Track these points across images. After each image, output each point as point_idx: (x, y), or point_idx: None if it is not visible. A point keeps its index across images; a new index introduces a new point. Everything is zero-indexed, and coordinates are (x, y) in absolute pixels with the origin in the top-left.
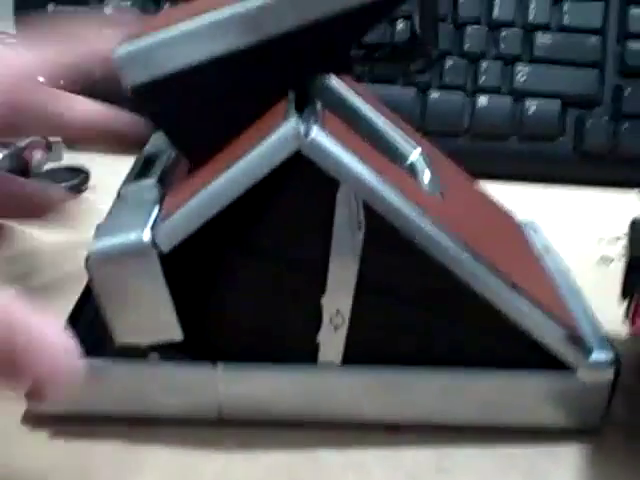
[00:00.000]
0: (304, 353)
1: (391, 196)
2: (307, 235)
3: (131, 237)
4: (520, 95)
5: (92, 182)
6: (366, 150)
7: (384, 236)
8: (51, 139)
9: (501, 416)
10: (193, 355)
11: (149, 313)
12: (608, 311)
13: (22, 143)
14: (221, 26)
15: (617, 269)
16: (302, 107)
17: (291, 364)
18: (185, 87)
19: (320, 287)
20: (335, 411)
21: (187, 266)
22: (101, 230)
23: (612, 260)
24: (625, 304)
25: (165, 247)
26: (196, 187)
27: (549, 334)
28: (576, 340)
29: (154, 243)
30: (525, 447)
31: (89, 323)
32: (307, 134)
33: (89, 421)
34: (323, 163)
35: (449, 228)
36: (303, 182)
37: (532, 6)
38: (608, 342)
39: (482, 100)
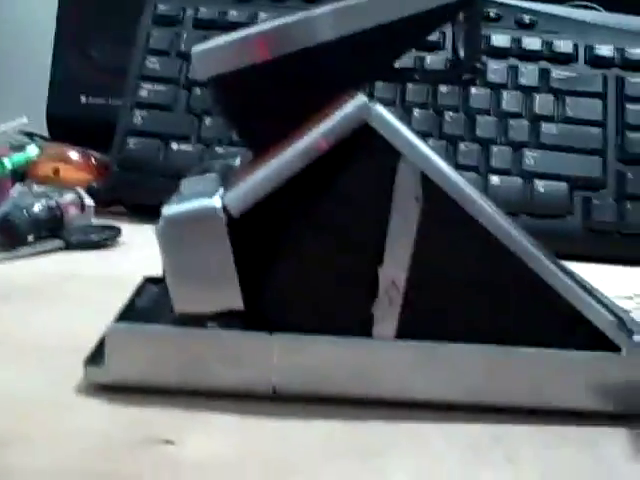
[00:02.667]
0: (359, 326)
1: (449, 170)
2: (367, 206)
3: (202, 202)
4: (529, 176)
5: (121, 239)
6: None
7: (442, 210)
8: (86, 202)
9: (547, 398)
10: (251, 326)
11: (212, 281)
12: None
13: (60, 198)
14: (298, 24)
15: (636, 315)
16: None
17: (345, 337)
18: (252, 81)
19: (377, 259)
20: (388, 387)
21: (250, 235)
22: (170, 201)
23: (630, 311)
24: None
25: (235, 212)
26: (264, 163)
27: (595, 313)
28: (619, 321)
29: (224, 208)
30: (575, 424)
31: (143, 311)
32: (374, 108)
33: (145, 390)
34: (388, 134)
35: (502, 215)
36: (368, 153)
37: (537, 100)
38: None
39: (494, 179)
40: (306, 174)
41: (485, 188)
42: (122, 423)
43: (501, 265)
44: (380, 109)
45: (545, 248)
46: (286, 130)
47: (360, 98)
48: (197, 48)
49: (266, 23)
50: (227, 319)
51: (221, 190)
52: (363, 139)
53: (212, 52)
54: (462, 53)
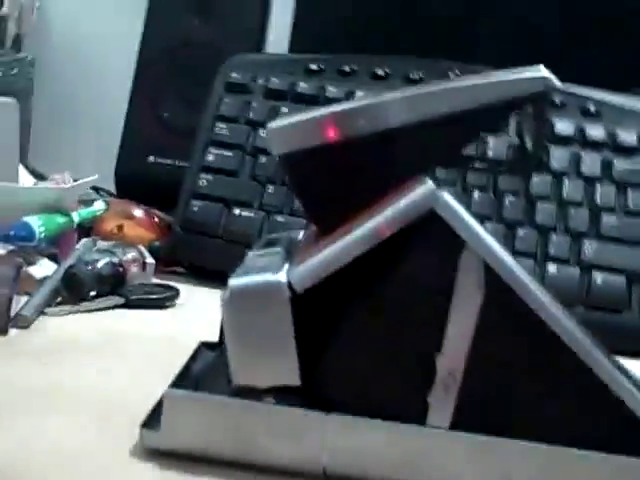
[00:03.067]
0: (413, 413)
1: (511, 261)
2: (430, 293)
3: (269, 276)
4: (587, 267)
5: (180, 300)
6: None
7: (503, 301)
8: (147, 260)
9: None
10: (306, 403)
11: (272, 355)
12: None
13: (123, 256)
14: (369, 108)
15: None
16: None
17: (399, 424)
18: (324, 160)
19: (436, 346)
20: (439, 476)
21: (312, 313)
22: (237, 272)
23: None
24: None
25: (299, 288)
26: (330, 242)
27: None
28: None
29: (289, 284)
30: None
31: (199, 376)
32: (441, 195)
33: (197, 460)
34: (453, 222)
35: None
36: (432, 240)
37: (598, 190)
38: None
39: (551, 268)
40: (371, 256)
41: (542, 277)
42: None
43: (561, 363)
44: (447, 197)
45: (602, 344)
46: (353, 210)
47: (428, 185)
48: (273, 124)
49: (339, 104)
50: (283, 395)
51: (286, 265)
52: (429, 226)
53: (286, 129)
54: (528, 144)
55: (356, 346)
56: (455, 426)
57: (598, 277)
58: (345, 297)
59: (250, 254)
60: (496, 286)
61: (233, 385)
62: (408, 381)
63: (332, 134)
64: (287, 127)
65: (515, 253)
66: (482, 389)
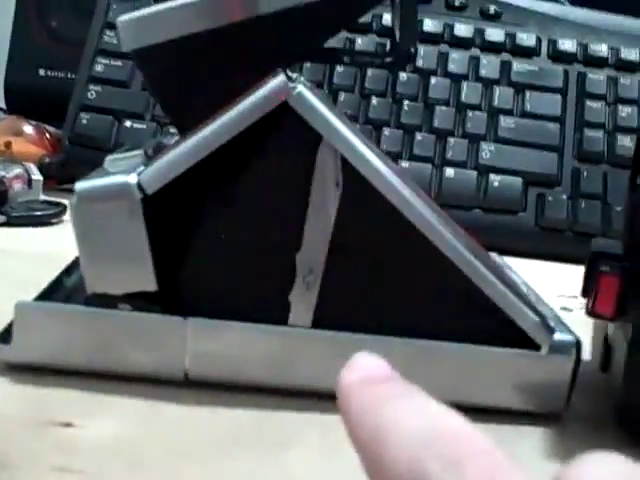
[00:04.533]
0: (275, 313)
1: (371, 155)
2: (286, 189)
3: (117, 179)
4: (485, 170)
5: (67, 217)
6: (346, 120)
7: (361, 196)
8: (34, 177)
9: (467, 394)
10: (164, 309)
11: (126, 260)
12: None
13: (6, 172)
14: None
15: (578, 316)
16: None
17: (261, 324)
18: (180, 55)
19: (295, 244)
20: (302, 376)
21: (165, 215)
22: (87, 176)
23: (572, 310)
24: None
25: (150, 189)
26: (182, 141)
27: (516, 312)
28: (541, 320)
29: (139, 185)
30: (493, 423)
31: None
32: (294, 87)
33: (53, 372)
34: (308, 116)
35: (426, 200)
36: (287, 135)
37: (497, 93)
38: (569, 329)
39: (449, 172)
40: (224, 153)
41: (440, 180)
42: (22, 403)
43: (419, 255)
44: (301, 89)
45: (474, 242)
46: (211, 109)
47: (281, 77)
48: (123, 18)
49: None
50: (140, 301)
51: (141, 168)
52: (282, 119)
53: (138, 22)
54: (397, 36)
55: (213, 248)
56: (317, 325)
57: (495, 180)
58: (199, 197)
59: (108, 158)
60: (354, 180)
61: (88, 294)
62: (268, 281)
63: (189, 26)
64: (139, 20)
65: (413, 157)
66: (343, 285)
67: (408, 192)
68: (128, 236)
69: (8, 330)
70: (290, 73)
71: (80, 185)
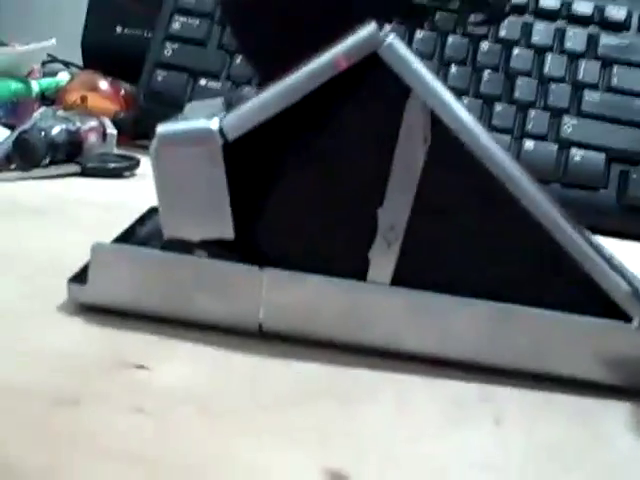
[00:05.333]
0: (354, 268)
1: (462, 112)
2: (371, 142)
3: (199, 123)
4: (566, 144)
5: (140, 170)
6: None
7: (449, 153)
8: (108, 130)
9: (549, 363)
10: (241, 257)
11: (204, 207)
12: None
13: (82, 124)
14: None
15: None
16: None
17: (338, 279)
18: (268, 8)
19: (378, 199)
20: (378, 335)
21: (246, 163)
22: (167, 121)
23: None
24: None
25: (231, 135)
26: (266, 90)
27: (609, 281)
28: (634, 292)
29: (221, 131)
30: (574, 395)
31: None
32: (385, 39)
33: (126, 314)
34: (398, 68)
35: (517, 164)
36: (375, 86)
37: (582, 66)
38: None
39: (528, 144)
40: (309, 102)
41: (518, 153)
42: (95, 344)
43: (510, 217)
44: (392, 40)
45: (563, 209)
46: (295, 61)
47: (372, 28)
48: None
49: None
50: (217, 249)
51: (222, 114)
52: (371, 70)
53: None
54: None
55: (293, 199)
56: (397, 282)
57: (576, 154)
58: (282, 147)
59: (188, 105)
60: (443, 136)
61: (164, 238)
62: (348, 235)
63: None
64: None
65: (492, 128)
66: (425, 244)
67: (499, 152)
68: (207, 182)
69: (83, 271)
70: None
71: (161, 129)
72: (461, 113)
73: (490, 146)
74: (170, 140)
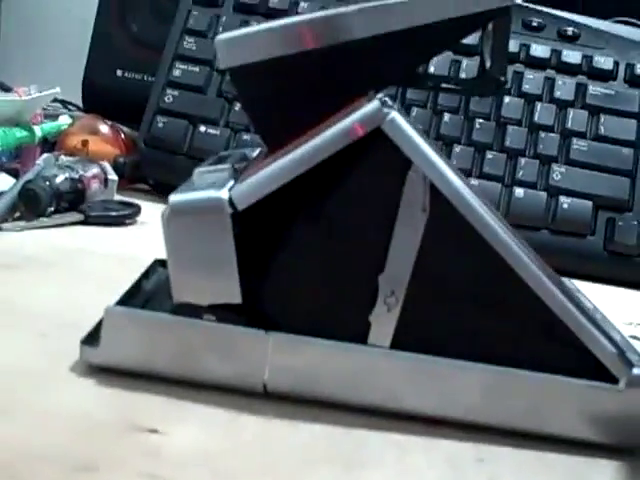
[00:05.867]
0: (355, 332)
1: (459, 183)
2: (373, 212)
3: (209, 193)
4: (555, 192)
5: (141, 218)
6: (436, 148)
7: (447, 223)
8: (109, 177)
9: (541, 423)
10: (247, 321)
11: (213, 273)
12: None
13: (84, 171)
14: (315, 23)
15: None
16: None
17: (340, 342)
18: (274, 75)
19: (379, 266)
20: (378, 395)
21: (253, 230)
22: (179, 190)
23: None
24: None
25: (240, 205)
26: (274, 159)
27: (595, 343)
28: (619, 353)
29: (230, 201)
30: (565, 454)
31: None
32: (388, 114)
33: (137, 376)
34: (400, 141)
35: (509, 230)
36: (378, 159)
37: (571, 115)
38: None
39: (519, 192)
40: (315, 174)
41: (509, 200)
42: (109, 407)
43: (503, 285)
44: (394, 115)
45: (551, 269)
46: (302, 128)
47: (375, 103)
48: (221, 36)
49: (296, 17)
50: (224, 313)
51: (231, 183)
52: (375, 144)
53: (235, 42)
54: (488, 63)
55: (298, 265)
56: (396, 346)
57: (565, 202)
58: (288, 215)
59: (197, 171)
60: (441, 207)
61: (174, 302)
62: (350, 300)
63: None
64: (237, 39)
65: (483, 176)
66: (424, 309)
67: (494, 222)
68: (217, 249)
69: (95, 332)
70: (381, 96)
71: (174, 198)
72: (460, 186)
73: (487, 218)
74: (182, 209)
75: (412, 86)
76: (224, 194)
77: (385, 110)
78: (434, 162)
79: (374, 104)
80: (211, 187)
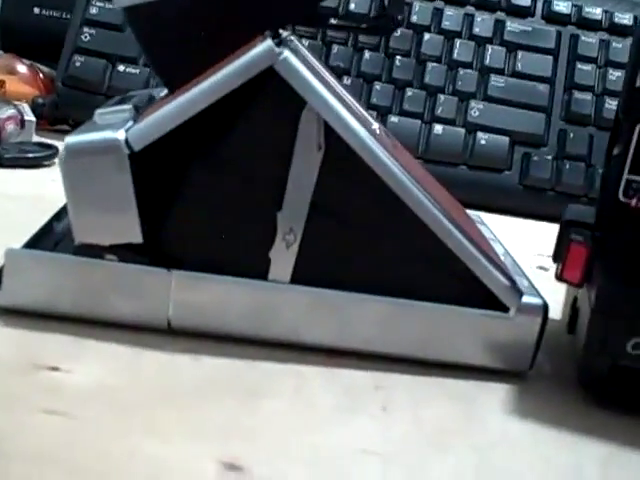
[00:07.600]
0: (256, 268)
1: (352, 121)
2: (269, 150)
3: (106, 134)
4: (472, 128)
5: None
6: (332, 85)
7: (342, 160)
8: (27, 118)
9: (436, 351)
10: (149, 261)
11: (113, 213)
12: None
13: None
14: None
15: (553, 275)
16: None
17: (241, 278)
18: (170, 14)
19: (277, 204)
20: (279, 329)
21: (152, 171)
22: (77, 131)
23: (548, 269)
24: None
25: (137, 146)
26: (171, 100)
27: (487, 275)
28: (510, 283)
29: (127, 142)
30: (459, 379)
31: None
32: (281, 53)
33: (42, 317)
34: (293, 81)
35: (404, 165)
36: (272, 98)
37: (489, 52)
38: (537, 291)
39: (437, 128)
40: (210, 113)
41: (428, 136)
42: (10, 346)
43: (395, 218)
44: (287, 54)
45: (450, 201)
46: (200, 69)
47: (267, 42)
48: None
49: None
50: (126, 253)
51: (130, 124)
52: (268, 84)
53: None
54: (387, 2)
55: (197, 204)
56: (296, 281)
57: (482, 138)
58: (185, 155)
59: (97, 111)
60: (335, 145)
61: (76, 244)
62: (250, 238)
63: None
64: None
65: (403, 113)
66: (321, 245)
67: (386, 157)
68: (115, 190)
69: None
70: (282, 32)
71: (69, 139)
72: (353, 123)
73: (380, 154)
74: (78, 150)
75: (313, 25)
76: (120, 135)
77: (278, 50)
78: (327, 101)
79: (266, 43)
80: (108, 128)
